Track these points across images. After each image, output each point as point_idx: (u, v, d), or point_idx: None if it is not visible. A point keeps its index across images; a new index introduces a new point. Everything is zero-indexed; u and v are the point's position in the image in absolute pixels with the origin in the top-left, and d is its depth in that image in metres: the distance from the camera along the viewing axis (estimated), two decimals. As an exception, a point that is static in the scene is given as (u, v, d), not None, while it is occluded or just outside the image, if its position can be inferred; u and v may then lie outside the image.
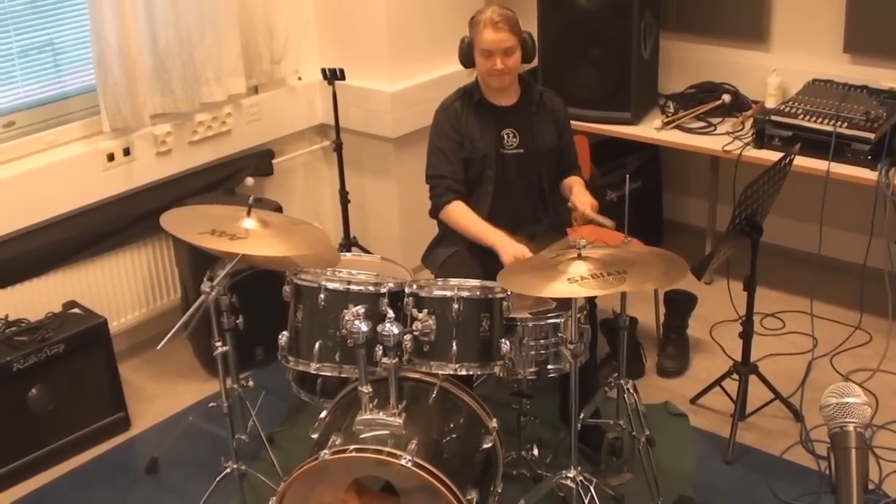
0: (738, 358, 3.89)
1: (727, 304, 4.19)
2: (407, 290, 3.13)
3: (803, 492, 3.53)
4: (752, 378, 3.87)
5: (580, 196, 3.64)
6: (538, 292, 2.93)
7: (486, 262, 3.52)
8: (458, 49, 3.65)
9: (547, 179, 3.77)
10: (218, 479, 3.43)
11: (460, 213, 3.63)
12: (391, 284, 3.17)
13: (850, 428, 1.94)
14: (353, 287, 3.17)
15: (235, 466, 3.43)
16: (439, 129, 3.71)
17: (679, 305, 4.36)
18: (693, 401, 4.07)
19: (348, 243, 4.88)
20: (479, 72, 3.63)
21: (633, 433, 3.56)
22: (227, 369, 3.42)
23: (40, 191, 4.00)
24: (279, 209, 4.43)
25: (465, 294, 3.08)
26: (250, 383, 3.67)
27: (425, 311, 3.07)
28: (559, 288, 2.88)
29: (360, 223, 5.04)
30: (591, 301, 3.57)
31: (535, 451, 3.52)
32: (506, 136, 3.67)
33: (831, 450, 1.93)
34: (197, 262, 4.15)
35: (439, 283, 3.17)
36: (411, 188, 4.84)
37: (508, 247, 3.45)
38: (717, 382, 3.96)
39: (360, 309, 2.91)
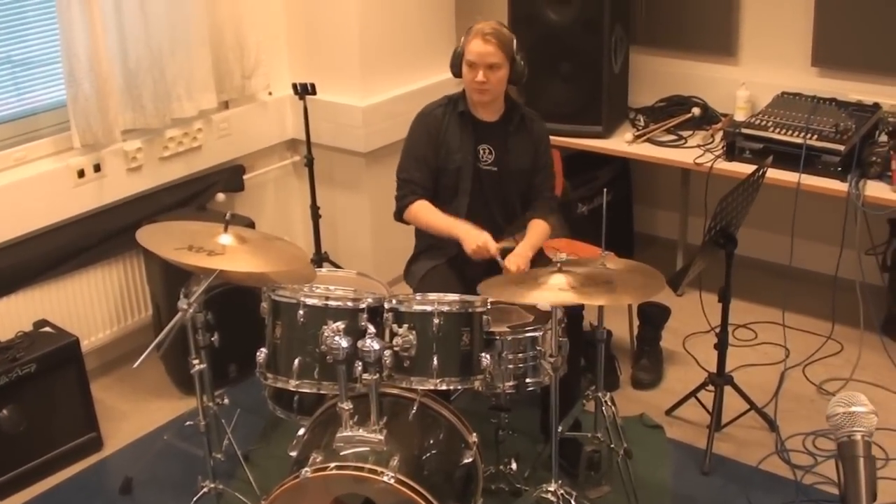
0: (712, 369, 3.91)
1: (699, 315, 4.20)
2: (386, 305, 3.12)
3: (780, 501, 3.56)
4: (727, 389, 3.89)
5: (515, 255, 3.54)
6: (525, 300, 2.95)
7: (465, 275, 3.52)
8: (451, 57, 3.64)
9: (518, 201, 3.75)
10: (195, 498, 3.39)
11: (423, 211, 3.65)
12: (370, 300, 3.15)
13: (858, 437, 1.95)
14: (332, 303, 3.15)
15: (213, 486, 3.39)
16: (416, 135, 3.70)
17: (652, 318, 4.38)
18: (668, 412, 4.08)
19: (319, 259, 4.86)
20: (464, 82, 3.62)
21: (612, 446, 3.56)
22: (203, 387, 3.39)
23: (9, 208, 3.94)
24: (251, 225, 4.40)
25: (445, 308, 3.07)
26: (226, 401, 3.63)
27: (405, 325, 3.06)
28: (547, 295, 2.90)
29: (331, 238, 5.01)
30: (576, 313, 3.56)
31: (514, 465, 3.52)
32: (482, 152, 3.67)
33: (839, 459, 1.94)
34: (169, 279, 4.12)
35: (419, 297, 3.16)
36: (383, 203, 4.81)
37: (471, 236, 3.50)
38: (693, 394, 3.97)
39: (341, 325, 2.90)
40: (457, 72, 3.65)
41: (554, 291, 2.92)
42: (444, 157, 3.66)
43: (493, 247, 3.48)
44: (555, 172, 3.91)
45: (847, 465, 1.93)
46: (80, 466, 3.93)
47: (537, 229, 3.70)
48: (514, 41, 3.58)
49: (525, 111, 3.75)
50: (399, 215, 3.72)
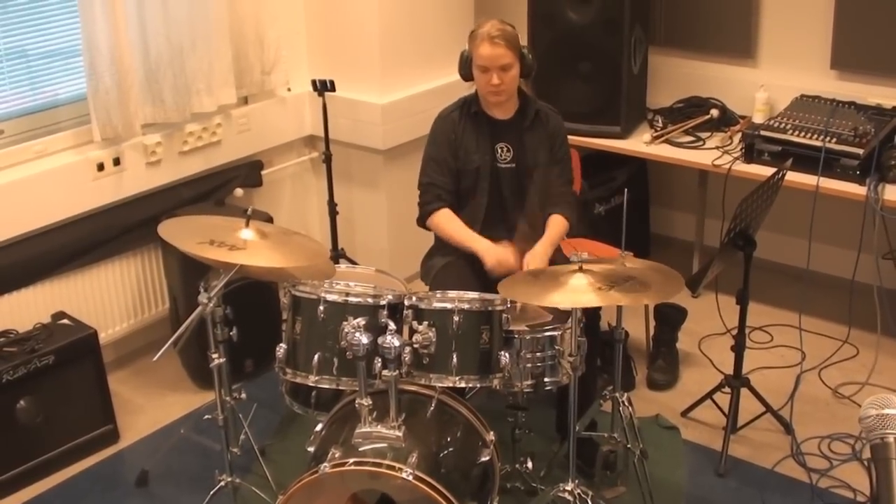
0: (728, 371, 3.90)
1: (715, 317, 4.20)
2: (406, 302, 3.12)
3: (795, 504, 3.56)
4: (742, 391, 3.88)
5: (532, 254, 3.54)
6: (551, 302, 2.96)
7: (479, 271, 3.53)
8: (459, 62, 3.65)
9: (538, 197, 3.73)
10: (212, 492, 3.40)
11: (446, 221, 3.67)
12: (390, 296, 3.16)
13: (891, 439, 1.94)
14: (352, 299, 3.16)
15: (230, 480, 3.40)
16: (435, 139, 3.72)
17: (669, 319, 4.37)
18: (684, 414, 4.08)
19: (336, 255, 4.87)
20: (477, 86, 3.63)
21: (628, 446, 3.56)
22: (221, 381, 3.39)
23: (29, 200, 3.96)
24: (270, 220, 4.41)
25: (465, 306, 3.07)
26: (243, 395, 3.63)
27: (425, 323, 3.07)
28: (579, 297, 2.90)
29: (347, 235, 5.02)
30: (593, 312, 3.57)
31: (530, 464, 3.53)
32: (499, 150, 3.67)
33: (871, 461, 1.94)
34: (186, 272, 4.13)
35: (439, 295, 3.16)
36: (400, 200, 4.84)
37: (491, 251, 3.52)
38: (709, 395, 3.97)
39: (361, 321, 2.90)
40: (467, 76, 3.66)
41: (576, 294, 2.91)
42: (462, 158, 3.66)
43: (513, 261, 3.48)
44: (573, 167, 3.91)
45: (879, 468, 1.92)
46: (97, 459, 3.94)
47: (555, 225, 3.70)
48: (518, 36, 3.59)
49: (540, 106, 3.74)
50: (422, 221, 3.74)
